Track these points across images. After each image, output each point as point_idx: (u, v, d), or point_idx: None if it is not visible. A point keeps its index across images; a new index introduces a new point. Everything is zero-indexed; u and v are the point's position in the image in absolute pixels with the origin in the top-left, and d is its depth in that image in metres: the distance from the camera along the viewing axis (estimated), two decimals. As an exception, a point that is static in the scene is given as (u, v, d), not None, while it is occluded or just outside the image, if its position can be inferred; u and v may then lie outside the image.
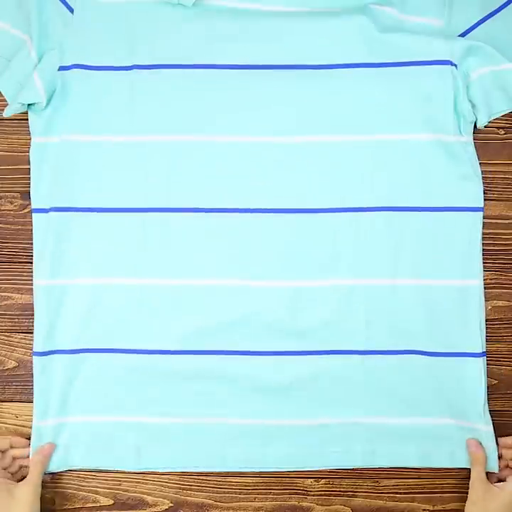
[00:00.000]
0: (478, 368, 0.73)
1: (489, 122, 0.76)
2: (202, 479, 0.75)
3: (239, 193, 0.73)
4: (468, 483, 0.73)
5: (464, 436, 0.73)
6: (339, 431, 0.74)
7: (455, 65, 0.74)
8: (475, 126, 0.76)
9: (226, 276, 0.73)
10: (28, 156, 0.76)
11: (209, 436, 0.74)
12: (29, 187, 0.76)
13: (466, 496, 0.73)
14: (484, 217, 0.75)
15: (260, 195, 0.73)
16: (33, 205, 0.75)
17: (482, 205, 0.75)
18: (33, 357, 0.74)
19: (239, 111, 0.75)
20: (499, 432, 0.74)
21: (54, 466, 0.73)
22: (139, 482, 0.75)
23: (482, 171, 0.75)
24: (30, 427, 0.75)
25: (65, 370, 0.74)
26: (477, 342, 0.74)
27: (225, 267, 0.73)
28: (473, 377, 0.73)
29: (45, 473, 0.72)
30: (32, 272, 0.75)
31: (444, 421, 0.73)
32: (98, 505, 0.75)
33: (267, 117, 0.75)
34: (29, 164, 0.76)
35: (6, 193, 0.78)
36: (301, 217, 0.72)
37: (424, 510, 0.74)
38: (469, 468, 0.73)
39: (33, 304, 0.75)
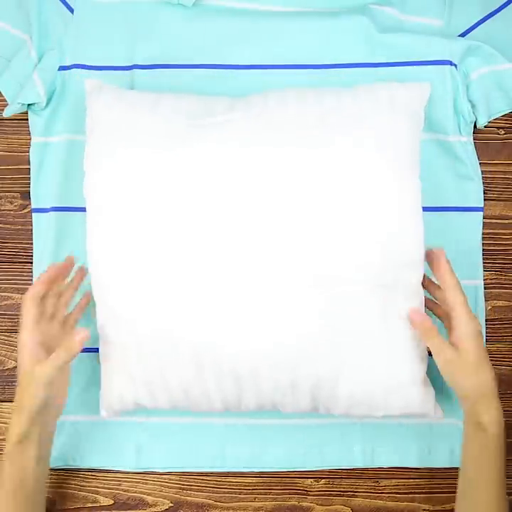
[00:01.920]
0: None
1: (489, 122, 0.76)
2: (202, 479, 0.75)
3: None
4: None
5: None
6: (339, 431, 0.74)
7: (455, 65, 0.74)
8: (475, 126, 0.76)
9: None
10: (28, 155, 0.76)
11: (209, 436, 0.74)
12: (29, 187, 0.76)
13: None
14: (484, 217, 0.75)
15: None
16: (33, 205, 0.76)
17: (482, 205, 0.75)
18: None
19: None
20: (499, 431, 0.74)
21: (53, 463, 0.73)
22: (139, 482, 0.75)
23: (482, 171, 0.75)
24: (30, 427, 0.75)
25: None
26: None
27: None
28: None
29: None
30: (32, 271, 0.75)
31: (443, 420, 0.73)
32: (98, 505, 0.75)
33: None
34: (29, 164, 0.76)
35: (6, 193, 0.78)
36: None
37: (424, 510, 0.74)
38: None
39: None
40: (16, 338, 0.76)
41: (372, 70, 0.75)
